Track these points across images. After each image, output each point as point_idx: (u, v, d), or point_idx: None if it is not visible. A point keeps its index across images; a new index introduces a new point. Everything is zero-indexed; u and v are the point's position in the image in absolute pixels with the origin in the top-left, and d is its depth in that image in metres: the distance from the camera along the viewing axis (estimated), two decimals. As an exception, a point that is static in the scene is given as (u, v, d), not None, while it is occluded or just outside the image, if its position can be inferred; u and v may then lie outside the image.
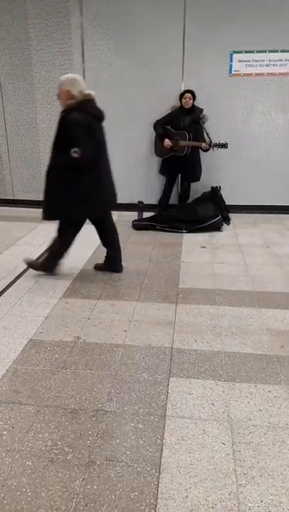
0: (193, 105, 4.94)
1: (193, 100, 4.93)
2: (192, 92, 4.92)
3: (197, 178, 5.22)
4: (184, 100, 4.91)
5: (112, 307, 2.95)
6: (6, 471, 1.59)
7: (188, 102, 4.89)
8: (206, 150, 4.91)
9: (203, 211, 4.88)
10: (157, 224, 4.85)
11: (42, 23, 5.22)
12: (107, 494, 1.50)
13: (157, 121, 5.07)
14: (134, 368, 2.23)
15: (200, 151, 5.01)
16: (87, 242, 4.37)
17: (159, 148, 5.15)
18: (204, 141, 4.85)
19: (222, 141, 4.82)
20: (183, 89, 5.11)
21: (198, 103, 4.96)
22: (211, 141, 4.83)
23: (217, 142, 4.82)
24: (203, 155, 5.09)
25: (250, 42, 5.02)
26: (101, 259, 3.64)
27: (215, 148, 4.87)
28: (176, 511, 1.43)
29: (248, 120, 5.36)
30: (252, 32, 4.97)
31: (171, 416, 1.88)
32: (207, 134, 4.85)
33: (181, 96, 4.94)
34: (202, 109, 4.96)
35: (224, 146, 4.83)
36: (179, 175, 5.33)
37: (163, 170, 5.28)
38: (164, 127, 5.02)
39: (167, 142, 4.94)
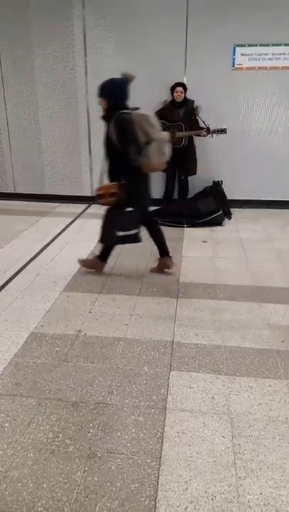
0: (185, 97, 4.91)
1: (185, 93, 4.89)
2: (183, 85, 4.89)
3: (194, 172, 5.17)
4: (175, 94, 4.86)
5: (114, 301, 2.95)
6: (7, 463, 1.60)
7: (180, 96, 4.85)
8: (206, 136, 4.87)
9: (205, 206, 4.86)
10: (159, 218, 4.82)
11: (43, 15, 5.18)
12: (107, 486, 1.51)
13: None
14: (135, 362, 2.24)
15: (195, 144, 4.99)
16: (88, 236, 4.38)
17: None
18: (202, 129, 4.83)
19: (220, 127, 4.78)
20: (185, 82, 5.07)
21: (201, 96, 4.93)
22: (209, 128, 4.80)
23: (216, 128, 4.79)
24: (200, 149, 5.05)
25: (254, 35, 4.99)
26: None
27: (214, 135, 4.82)
28: (176, 503, 1.45)
29: (250, 114, 5.33)
30: (255, 25, 4.93)
31: (172, 409, 1.89)
32: (204, 122, 4.83)
33: (173, 89, 4.89)
34: (194, 101, 4.95)
35: (223, 131, 4.79)
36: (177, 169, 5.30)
37: None
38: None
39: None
